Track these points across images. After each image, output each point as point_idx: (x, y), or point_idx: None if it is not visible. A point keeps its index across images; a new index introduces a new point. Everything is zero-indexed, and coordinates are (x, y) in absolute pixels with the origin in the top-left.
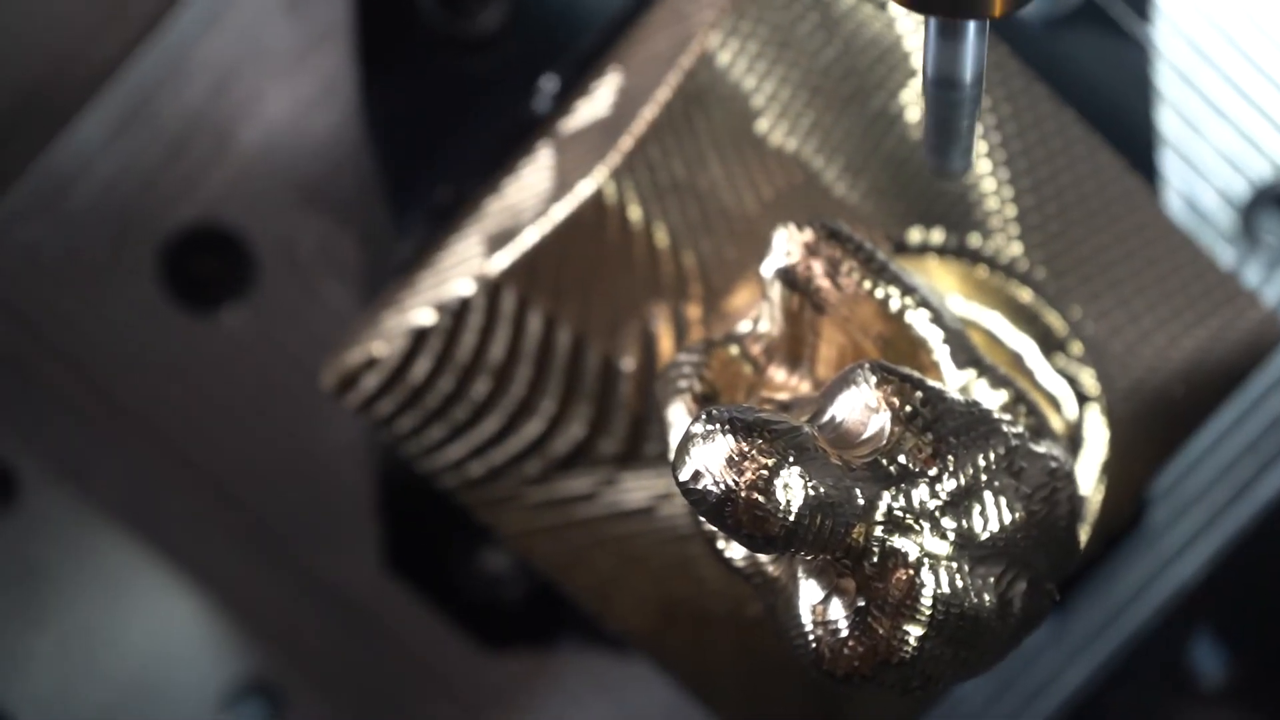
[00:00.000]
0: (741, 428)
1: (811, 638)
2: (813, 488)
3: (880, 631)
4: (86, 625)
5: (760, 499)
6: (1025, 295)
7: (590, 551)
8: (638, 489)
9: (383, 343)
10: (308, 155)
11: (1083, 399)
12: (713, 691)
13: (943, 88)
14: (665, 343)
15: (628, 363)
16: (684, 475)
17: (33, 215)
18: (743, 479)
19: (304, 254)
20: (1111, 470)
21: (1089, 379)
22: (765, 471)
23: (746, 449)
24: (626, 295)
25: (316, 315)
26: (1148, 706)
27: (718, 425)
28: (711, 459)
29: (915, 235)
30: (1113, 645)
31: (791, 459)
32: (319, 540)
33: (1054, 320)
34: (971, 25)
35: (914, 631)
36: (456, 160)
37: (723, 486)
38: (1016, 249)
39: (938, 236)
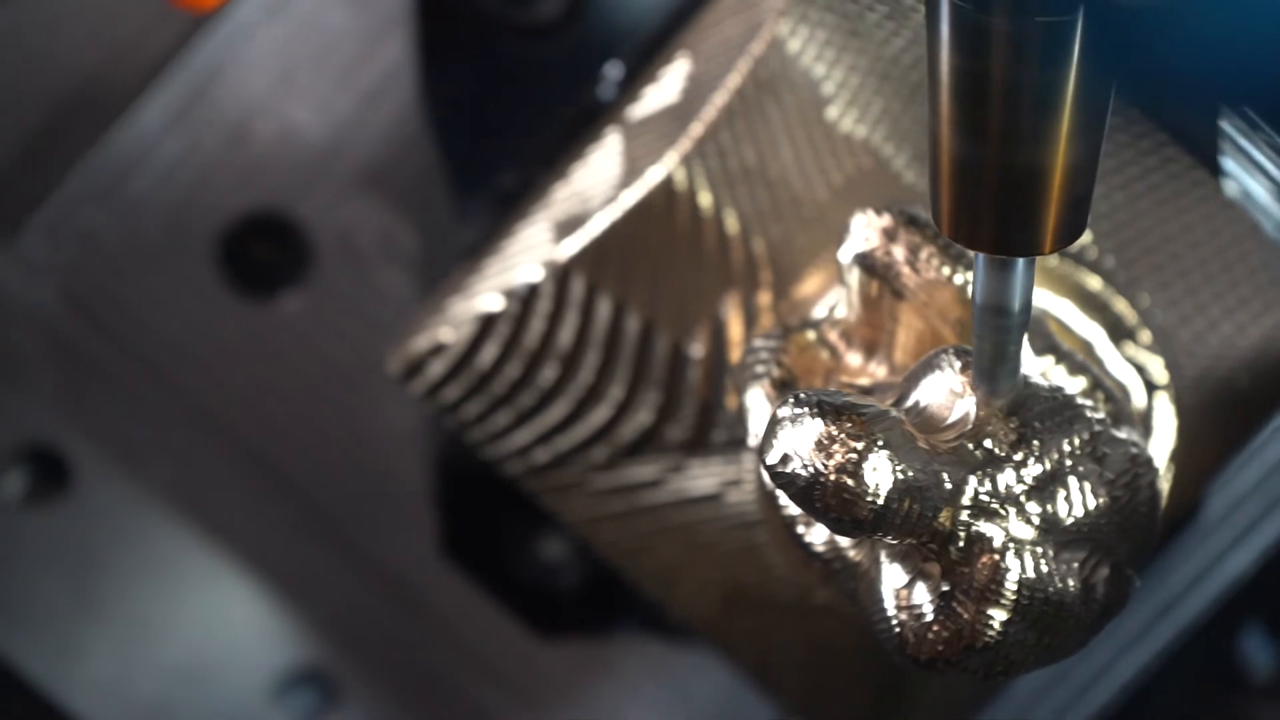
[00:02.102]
0: (830, 411)
1: (895, 622)
2: (901, 471)
3: (965, 616)
4: (140, 612)
5: (849, 482)
6: (1094, 283)
7: (655, 538)
8: (705, 475)
9: (449, 329)
10: (367, 143)
11: (1151, 387)
12: (775, 678)
13: (992, 315)
14: (735, 329)
15: (696, 349)
16: (772, 458)
17: (92, 202)
18: (831, 462)
19: (362, 241)
20: (1178, 459)
21: (1158, 367)
22: (854, 455)
23: (835, 432)
24: (696, 282)
25: (374, 302)
26: (1199, 699)
27: (806, 408)
28: (800, 442)
29: None
30: (1165, 638)
31: (880, 443)
32: (374, 527)
33: (1123, 308)
34: (1020, 259)
35: (998, 616)
36: (519, 147)
37: (811, 470)
38: (1086, 237)
39: None
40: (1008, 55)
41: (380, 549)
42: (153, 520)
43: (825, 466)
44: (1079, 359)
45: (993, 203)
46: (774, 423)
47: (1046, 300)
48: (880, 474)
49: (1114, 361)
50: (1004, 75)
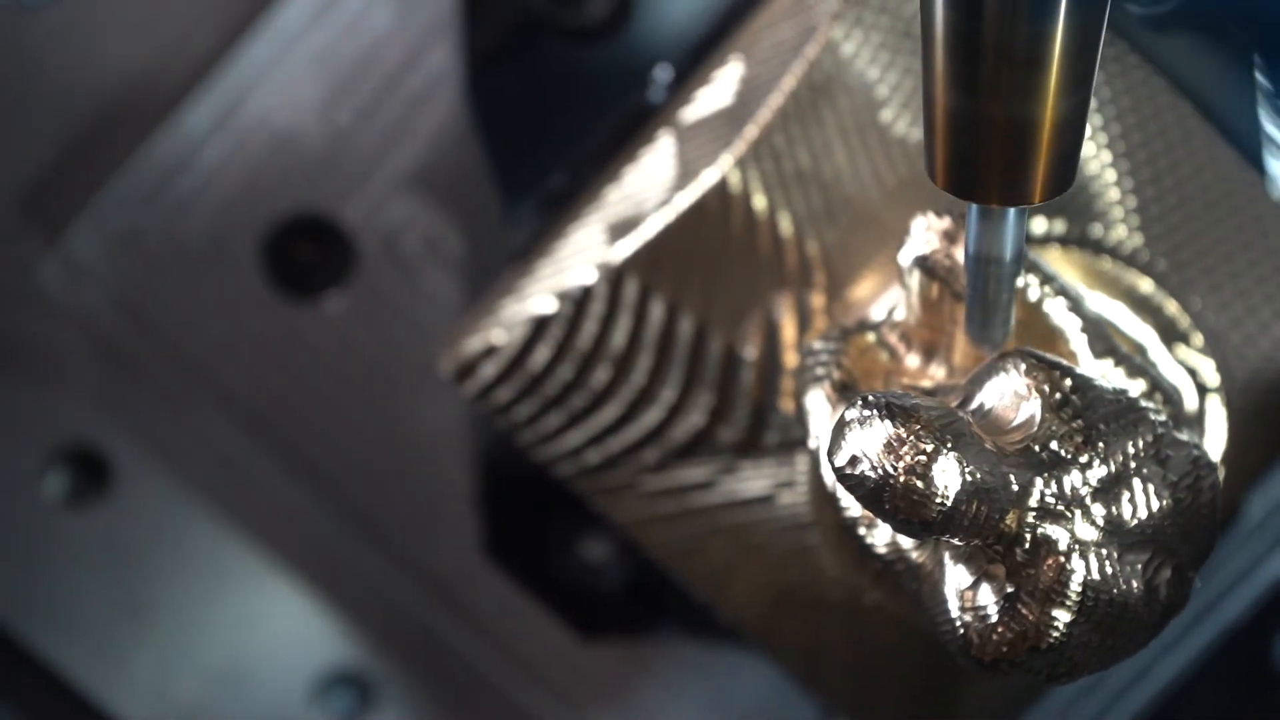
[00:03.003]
0: (899, 413)
1: (959, 623)
2: (970, 473)
3: (1030, 617)
4: (181, 613)
5: (918, 484)
6: (1147, 286)
7: (706, 540)
8: (757, 477)
9: (502, 330)
10: (413, 145)
11: (1203, 390)
12: (824, 680)
13: (984, 263)
14: (788, 332)
15: (750, 351)
16: (840, 460)
17: (137, 204)
18: (900, 464)
19: (406, 243)
20: (1228, 461)
21: (1209, 370)
22: (924, 457)
23: (904, 434)
24: (749, 284)
25: (418, 304)
26: (1236, 703)
27: (875, 410)
28: (869, 443)
29: (1039, 225)
30: (1202, 641)
31: (949, 444)
32: (415, 528)
33: (1175, 311)
34: (1011, 210)
35: (1063, 617)
36: (567, 150)
37: (880, 471)
38: (1138, 240)
39: (1060, 227)
40: (998, 10)
41: (422, 550)
42: (193, 521)
43: (894, 468)
44: (1138, 361)
45: (984, 155)
46: (842, 424)
47: (1100, 303)
48: (949, 476)
49: (1166, 364)
50: (994, 30)
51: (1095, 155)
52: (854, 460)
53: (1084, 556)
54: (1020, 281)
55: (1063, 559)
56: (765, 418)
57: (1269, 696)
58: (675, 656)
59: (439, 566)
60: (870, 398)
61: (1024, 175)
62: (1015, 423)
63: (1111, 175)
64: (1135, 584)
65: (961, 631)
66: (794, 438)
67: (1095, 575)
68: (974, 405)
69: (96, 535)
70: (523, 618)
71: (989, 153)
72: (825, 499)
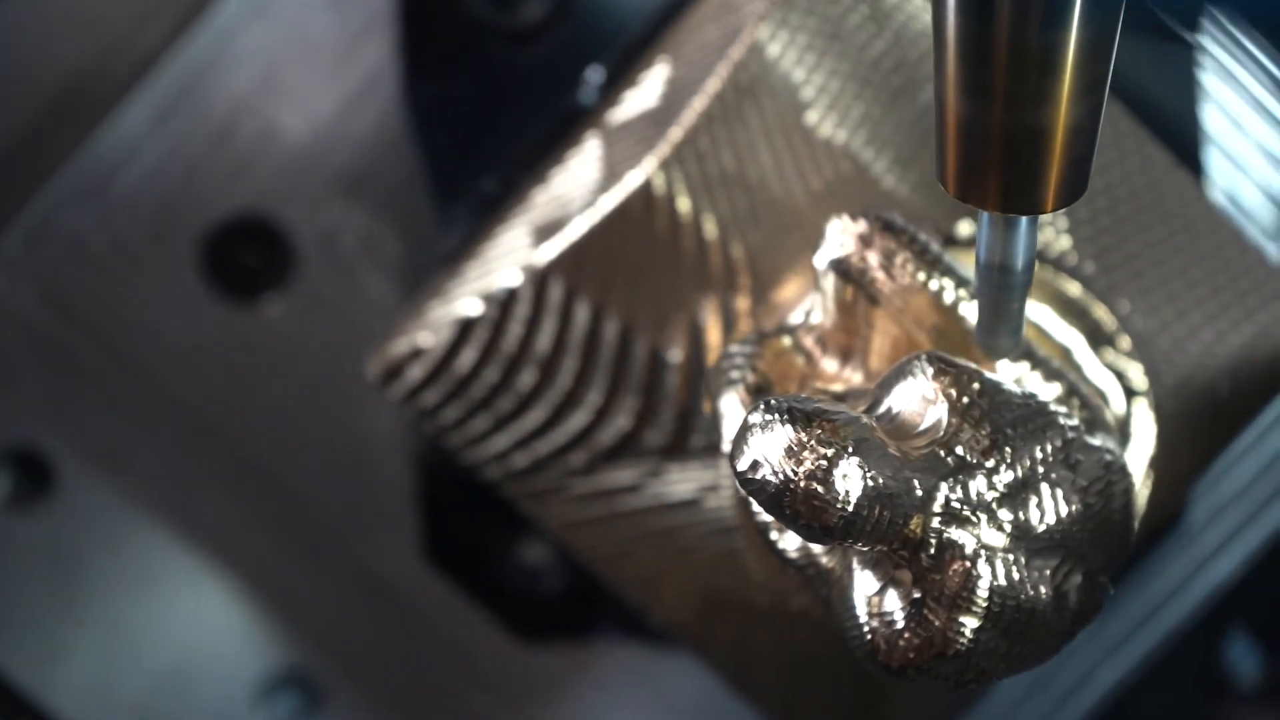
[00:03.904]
0: (800, 417)
1: (867, 629)
2: (872, 478)
3: (936, 623)
4: (123, 615)
5: (819, 489)
6: (1074, 289)
7: (636, 544)
8: (684, 481)
9: (428, 333)
10: (350, 146)
11: (1130, 393)
12: (754, 684)
13: (994, 273)
14: (713, 334)
15: (675, 354)
16: (742, 465)
17: (76, 204)
18: (801, 469)
19: (345, 245)
20: (1158, 466)
21: (1137, 374)
22: (824, 461)
23: (805, 439)
24: (674, 286)
25: (357, 306)
26: (1182, 707)
27: (776, 415)
28: (770, 448)
29: (965, 228)
30: (1148, 644)
31: (851, 449)
32: (357, 530)
33: (1102, 314)
34: (1024, 218)
35: (970, 623)
36: (501, 151)
37: (781, 476)
38: (1065, 243)
39: None
40: (1011, 16)
41: (364, 552)
42: (136, 524)
43: (795, 473)
44: (1055, 365)
45: (997, 163)
46: (744, 429)
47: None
48: (850, 481)
49: (1093, 368)
50: (1008, 37)
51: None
52: (755, 465)
53: (990, 562)
54: (935, 284)
55: (968, 564)
56: (691, 421)
57: (1216, 700)
58: (616, 659)
59: (381, 569)
60: (772, 402)
61: (1037, 183)
62: (923, 427)
63: None
64: (1044, 589)
65: (869, 637)
66: (719, 441)
67: (1002, 581)
68: (882, 409)
69: (38, 538)
70: (465, 620)
71: (1001, 160)
72: (745, 503)
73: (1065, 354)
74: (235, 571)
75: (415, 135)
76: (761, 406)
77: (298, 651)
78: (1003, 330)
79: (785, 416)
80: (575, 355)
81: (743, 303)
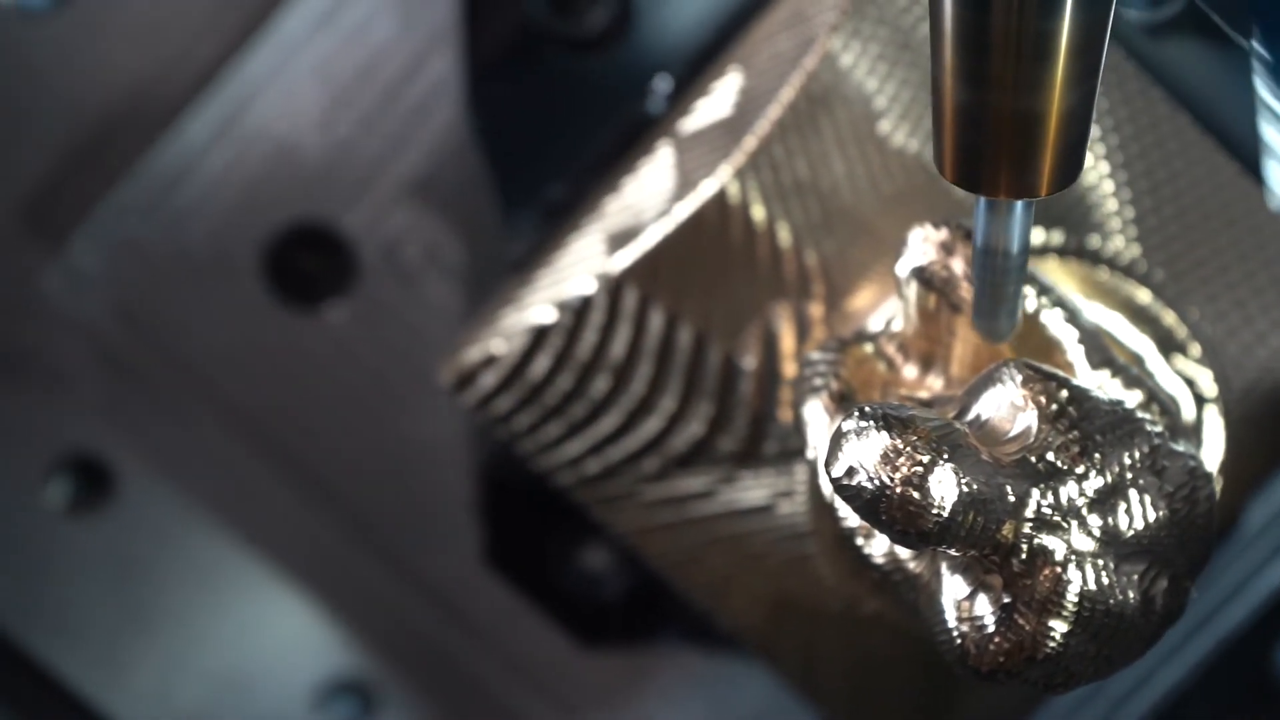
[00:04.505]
0: (896, 423)
1: (956, 634)
2: (966, 484)
3: (1026, 627)
4: (182, 622)
5: (915, 495)
6: (1144, 296)
7: (706, 549)
8: (756, 487)
9: (501, 340)
10: (413, 155)
11: (1200, 400)
12: (821, 689)
13: (992, 257)
14: (787, 342)
15: (749, 361)
16: (837, 471)
17: (139, 213)
18: (897, 475)
19: (407, 253)
20: (1226, 471)
21: (1207, 380)
22: (920, 468)
23: (901, 445)
24: (748, 294)
25: (419, 313)
26: (1236, 712)
27: (871, 421)
28: (866, 455)
29: (1037, 236)
30: (1203, 650)
31: (945, 455)
32: (416, 536)
33: (1173, 322)
34: (1019, 202)
35: (1059, 628)
36: (567, 160)
37: (877, 482)
38: (1135, 250)
39: (1058, 237)
40: (1007, 3)
41: (422, 558)
42: (195, 530)
43: (891, 479)
44: (1135, 373)
45: (992, 147)
46: (839, 435)
47: (1098, 314)
48: (945, 487)
49: (1164, 375)
50: (1004, 23)
51: (1093, 166)
52: (851, 471)
53: (1080, 567)
54: None
55: (1059, 569)
56: (764, 427)
57: (1269, 705)
58: (674, 665)
59: (440, 575)
60: (867, 408)
61: (1032, 167)
62: (1012, 434)
63: (1109, 185)
64: (1131, 594)
65: (959, 642)
66: (793, 447)
67: (1091, 585)
68: (970, 416)
69: (98, 544)
70: (523, 626)
71: (997, 145)
72: (823, 509)
73: (1137, 361)
74: (295, 578)
75: (479, 144)
76: (856, 413)
77: (355, 658)
78: (1000, 313)
79: (881, 422)
80: (649, 362)
81: (816, 310)
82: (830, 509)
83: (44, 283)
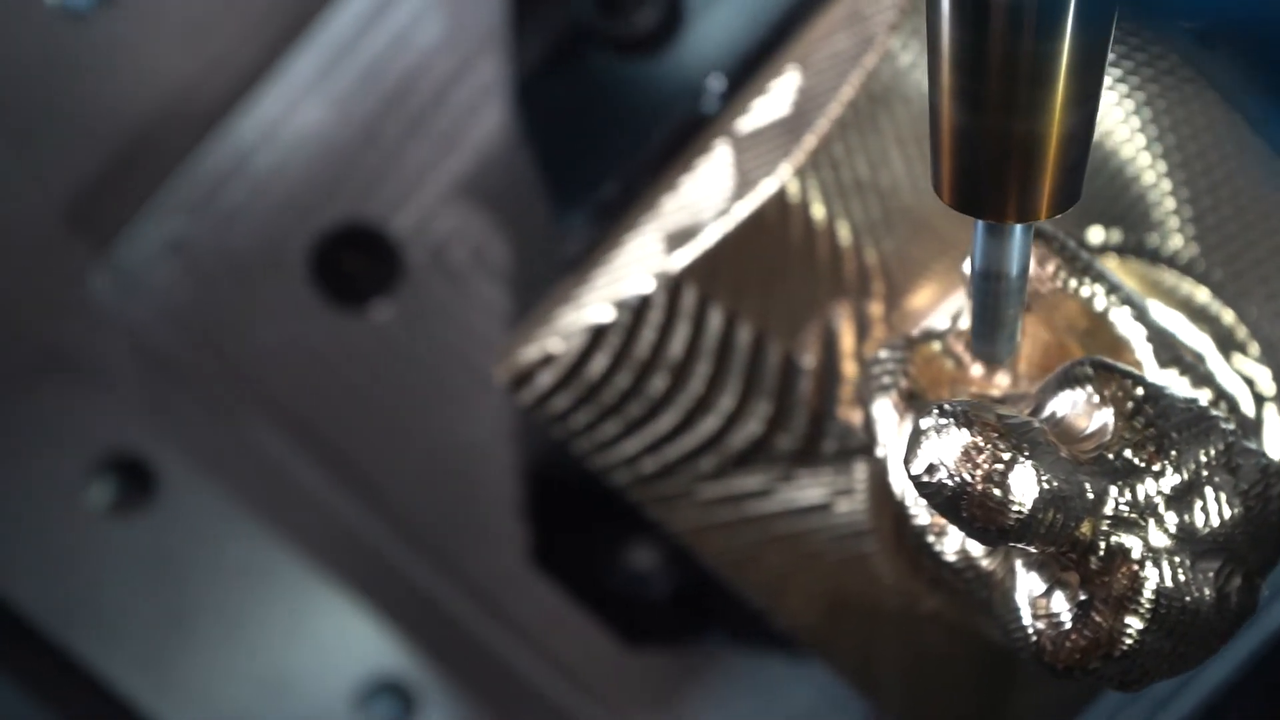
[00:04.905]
0: (976, 421)
1: (1032, 630)
2: (1046, 482)
3: (1103, 624)
4: (224, 621)
5: (996, 492)
6: (1203, 295)
7: (763, 548)
8: (814, 485)
9: (559, 339)
10: (461, 156)
11: (1259, 399)
12: (877, 687)
13: (991, 281)
14: (846, 340)
15: (808, 360)
16: (917, 468)
17: (186, 213)
18: (978, 472)
19: (454, 253)
20: None
21: (1266, 379)
22: (1001, 465)
23: (982, 442)
24: (808, 293)
25: (464, 313)
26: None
27: (952, 418)
28: (946, 452)
29: (1095, 235)
30: (1249, 648)
31: (1026, 453)
32: (461, 536)
33: (1231, 320)
34: (1017, 226)
35: (1136, 625)
36: (618, 160)
37: (958, 480)
38: (1194, 249)
39: (1117, 236)
40: (1003, 25)
41: (467, 557)
42: (237, 529)
43: (972, 476)
44: (1203, 371)
45: (991, 170)
46: (919, 433)
47: (1159, 312)
48: (1026, 484)
49: (1223, 373)
50: (1001, 45)
51: (1151, 165)
52: (931, 469)
53: (1157, 564)
54: (1086, 291)
55: (1136, 567)
56: (823, 426)
57: None
58: (721, 665)
59: (484, 574)
60: (947, 406)
61: (1031, 191)
62: (1088, 431)
63: (1168, 185)
64: (1207, 591)
65: (1034, 639)
66: (851, 445)
67: (1168, 583)
68: (1046, 413)
69: (141, 544)
70: (568, 626)
71: (996, 169)
72: (887, 506)
73: (1198, 360)
74: (337, 577)
75: (529, 144)
76: (936, 410)
77: (398, 657)
78: (999, 337)
79: (961, 419)
80: (707, 361)
81: (876, 309)
82: (897, 506)
83: (90, 283)
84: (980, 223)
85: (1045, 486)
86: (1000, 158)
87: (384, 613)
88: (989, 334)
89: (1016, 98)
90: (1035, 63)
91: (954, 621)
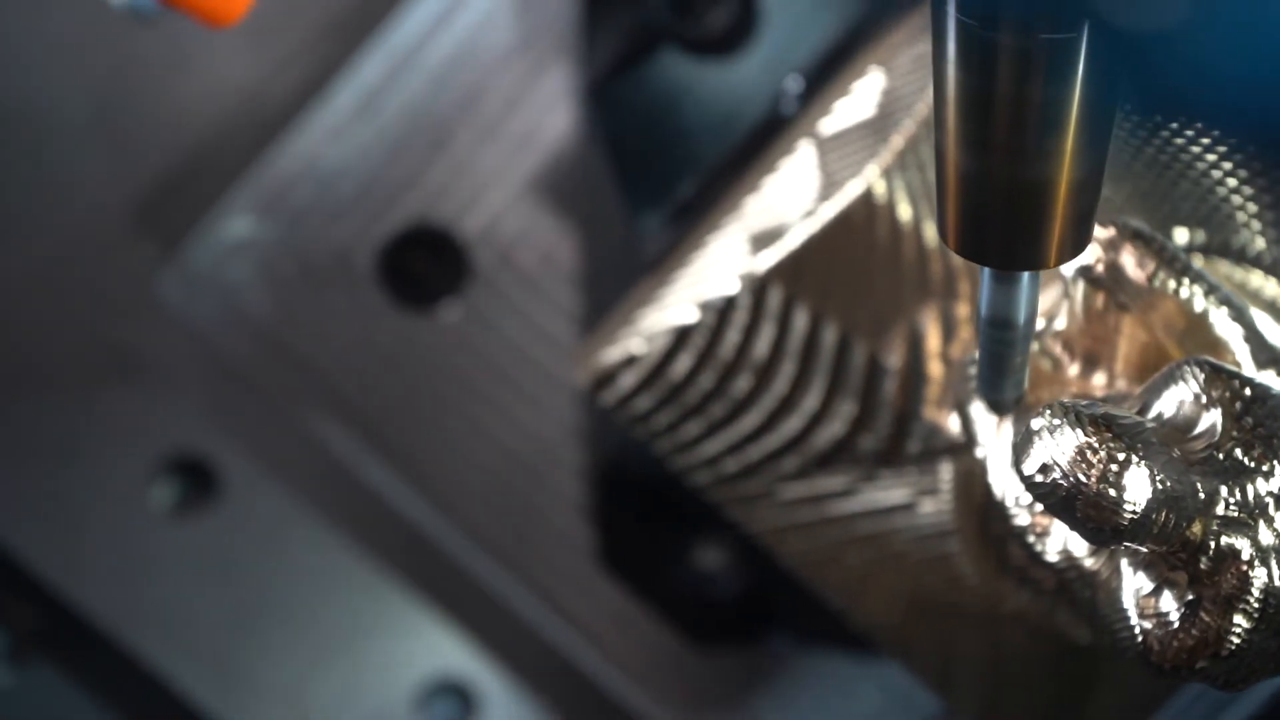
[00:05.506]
0: (1089, 421)
1: (1139, 630)
2: (1160, 482)
3: (1211, 624)
4: (286, 621)
5: (1110, 492)
6: None
7: (843, 548)
8: (898, 485)
9: (642, 340)
10: (530, 155)
11: None
12: (956, 687)
13: (997, 328)
14: (932, 341)
15: (893, 360)
16: (1030, 468)
17: (254, 215)
18: (1093, 472)
19: (522, 255)
20: None
21: None
22: (1115, 465)
23: (1096, 443)
24: (893, 294)
25: (532, 315)
26: None
27: (1065, 418)
28: (1060, 452)
29: (1180, 236)
30: None
31: (1140, 453)
32: (527, 537)
33: None
34: (1025, 273)
35: (1244, 624)
36: (694, 162)
37: (1072, 480)
38: (1279, 250)
39: (1201, 237)
40: (1012, 72)
41: (532, 558)
42: (301, 530)
43: (1087, 477)
44: None
45: (998, 218)
46: (1031, 433)
47: (1252, 313)
48: (1140, 484)
49: None
50: (1009, 92)
51: (1235, 166)
52: (1045, 469)
53: (1265, 564)
54: (1185, 292)
55: (1245, 567)
56: (908, 426)
57: None
58: (787, 666)
59: (550, 574)
60: (1060, 405)
61: (1039, 239)
62: (1196, 431)
63: (1251, 186)
64: None
65: (1141, 638)
66: (936, 446)
67: (1277, 582)
68: (1152, 414)
69: (205, 544)
70: (633, 626)
71: (1004, 216)
72: (972, 506)
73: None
74: (400, 577)
75: (603, 147)
76: (1048, 410)
77: (460, 657)
78: (1005, 385)
79: (1075, 420)
80: (792, 362)
81: (963, 309)
82: (993, 506)
83: (158, 284)
84: (986, 270)
85: (1159, 487)
86: (1008, 205)
87: (448, 613)
88: (996, 381)
89: (1025, 144)
90: (1043, 108)
91: (1036, 622)
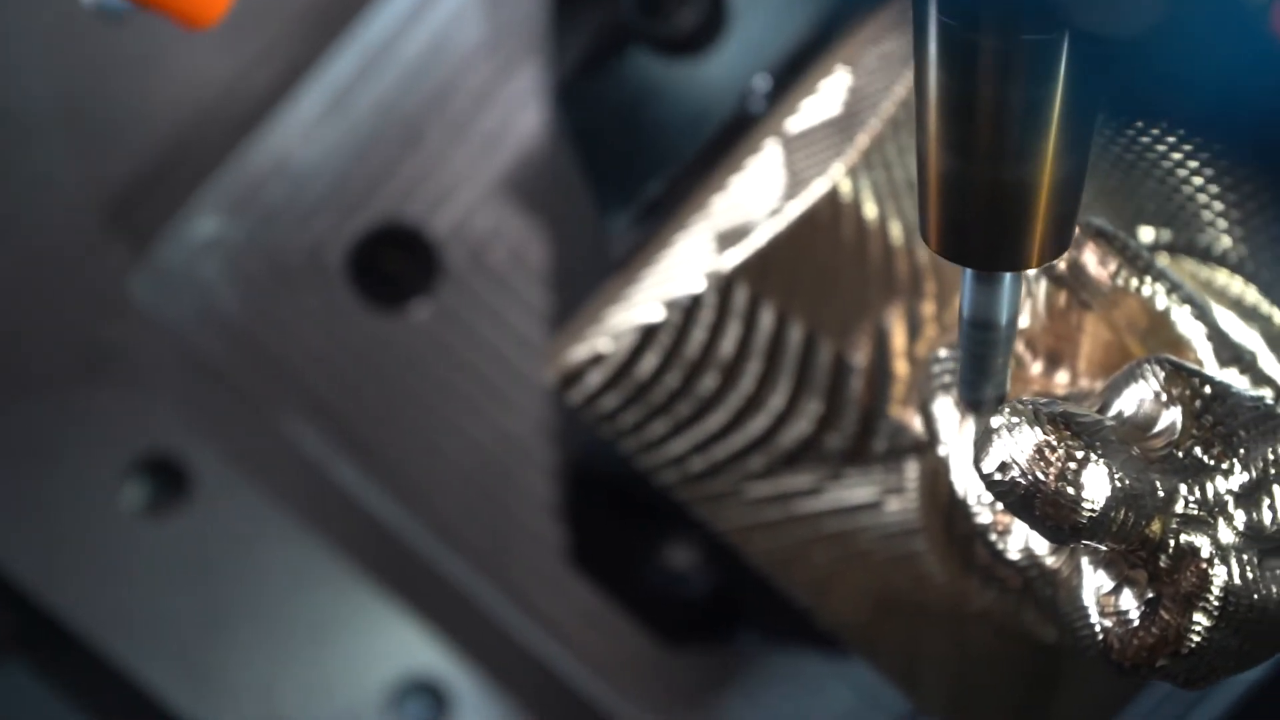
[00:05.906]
0: (1048, 419)
1: (1099, 628)
2: (1119, 480)
3: (1171, 622)
4: (257, 621)
5: (1069, 490)
6: (1252, 295)
7: (809, 546)
8: (864, 484)
9: (609, 339)
10: (501, 154)
11: None
12: (921, 686)
13: (979, 329)
14: (898, 339)
15: (859, 359)
16: (989, 466)
17: (225, 214)
18: (1051, 470)
19: (493, 254)
20: None
21: None
22: (1074, 463)
23: (1055, 441)
24: (859, 292)
25: (503, 314)
26: None
27: (1023, 417)
28: (1019, 450)
29: (1146, 234)
30: None
31: (1098, 451)
32: (497, 536)
33: None
34: (1007, 275)
35: (1204, 622)
36: (662, 161)
37: (1030, 478)
38: (1244, 249)
39: (1167, 236)
40: (994, 73)
41: (503, 557)
42: (273, 530)
43: (1044, 474)
44: (1261, 369)
45: (979, 219)
46: (989, 431)
47: (1215, 311)
48: (1098, 482)
49: (1275, 371)
50: (990, 93)
51: (1201, 165)
52: (1004, 467)
53: (1225, 562)
54: (1147, 290)
55: (1205, 565)
56: (874, 424)
57: None
58: (758, 664)
59: (520, 573)
60: (1018, 404)
61: (1021, 240)
62: (1156, 430)
63: (1216, 186)
64: (1274, 589)
65: (1101, 636)
66: (902, 444)
67: (1236, 580)
68: (1112, 412)
69: (177, 544)
70: (604, 625)
71: (985, 217)
72: (937, 504)
73: (1254, 358)
74: (372, 576)
75: (573, 145)
76: (1007, 409)
77: (432, 656)
78: (986, 386)
79: (1033, 418)
80: (758, 360)
81: (928, 308)
82: (955, 504)
83: (130, 283)
84: (968, 271)
85: (1117, 485)
86: (989, 207)
87: (420, 612)
88: (977, 382)
89: (1006, 145)
90: (1024, 110)
91: (1002, 621)
